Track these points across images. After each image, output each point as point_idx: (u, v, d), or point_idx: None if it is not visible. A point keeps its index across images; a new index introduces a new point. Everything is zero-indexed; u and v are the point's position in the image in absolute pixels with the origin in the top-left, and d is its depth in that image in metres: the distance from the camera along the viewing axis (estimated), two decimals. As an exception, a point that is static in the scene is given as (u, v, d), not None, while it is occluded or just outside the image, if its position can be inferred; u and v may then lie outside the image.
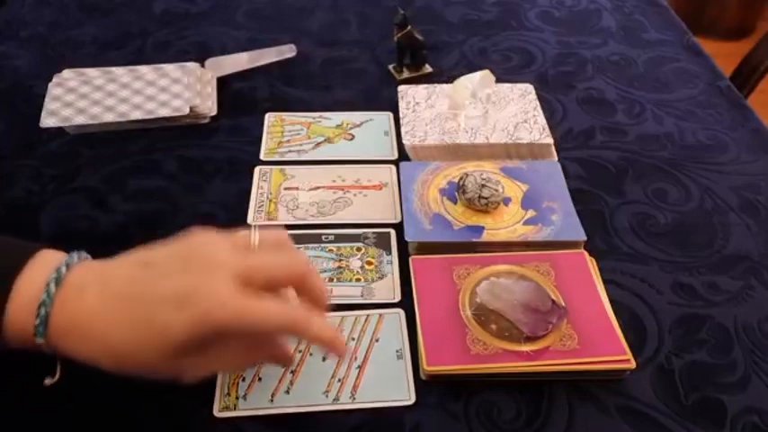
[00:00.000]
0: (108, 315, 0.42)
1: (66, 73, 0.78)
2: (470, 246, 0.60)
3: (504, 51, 0.89)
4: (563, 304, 0.55)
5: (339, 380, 0.51)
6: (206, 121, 0.76)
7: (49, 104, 0.74)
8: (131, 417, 0.49)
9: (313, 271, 0.47)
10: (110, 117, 0.73)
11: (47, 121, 0.72)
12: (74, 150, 0.72)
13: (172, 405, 0.49)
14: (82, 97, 0.75)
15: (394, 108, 0.77)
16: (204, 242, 0.44)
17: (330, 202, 0.66)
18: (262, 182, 0.68)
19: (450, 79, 0.77)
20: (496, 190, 0.62)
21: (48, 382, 0.45)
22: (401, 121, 0.74)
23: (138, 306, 0.42)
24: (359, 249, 0.61)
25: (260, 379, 0.51)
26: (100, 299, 0.42)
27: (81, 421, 0.48)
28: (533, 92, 0.78)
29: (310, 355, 0.53)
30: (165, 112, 0.73)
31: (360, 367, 0.52)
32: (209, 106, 0.77)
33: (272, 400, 0.50)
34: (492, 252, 0.60)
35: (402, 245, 0.61)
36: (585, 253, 0.60)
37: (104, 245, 0.61)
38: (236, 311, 0.41)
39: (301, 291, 0.46)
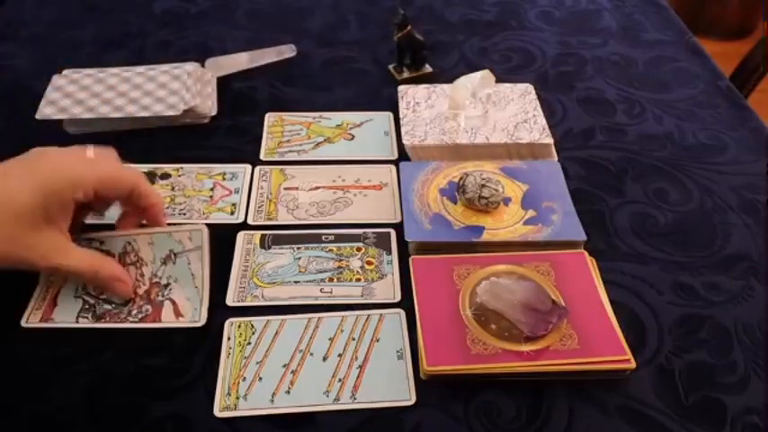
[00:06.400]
0: None
1: (67, 73, 0.78)
2: (470, 246, 0.60)
3: (504, 51, 0.89)
4: (563, 304, 0.55)
5: (340, 380, 0.51)
6: (206, 121, 0.76)
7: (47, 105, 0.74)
8: (132, 416, 0.49)
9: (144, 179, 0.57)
10: (109, 115, 0.73)
11: (45, 110, 0.72)
12: (74, 150, 0.72)
13: (172, 405, 0.49)
14: (81, 101, 0.74)
15: (394, 108, 0.77)
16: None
17: (330, 202, 0.66)
18: (262, 182, 0.68)
19: (450, 79, 0.77)
20: (496, 190, 0.62)
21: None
22: (401, 121, 0.74)
23: None
24: (359, 249, 0.61)
25: (260, 379, 0.51)
26: None
27: (81, 421, 0.49)
28: (533, 92, 0.78)
29: (311, 355, 0.53)
30: (164, 112, 0.73)
31: (360, 367, 0.52)
32: (209, 106, 0.77)
33: (272, 400, 0.50)
34: (492, 252, 0.60)
35: (402, 245, 0.62)
36: (585, 253, 0.60)
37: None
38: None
39: (139, 197, 0.56)
